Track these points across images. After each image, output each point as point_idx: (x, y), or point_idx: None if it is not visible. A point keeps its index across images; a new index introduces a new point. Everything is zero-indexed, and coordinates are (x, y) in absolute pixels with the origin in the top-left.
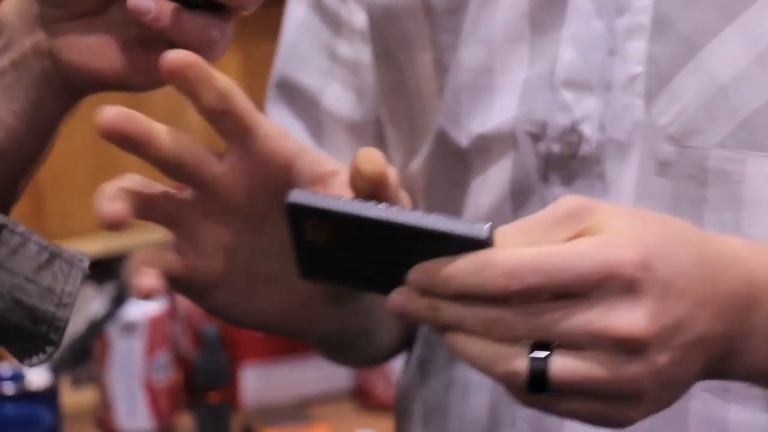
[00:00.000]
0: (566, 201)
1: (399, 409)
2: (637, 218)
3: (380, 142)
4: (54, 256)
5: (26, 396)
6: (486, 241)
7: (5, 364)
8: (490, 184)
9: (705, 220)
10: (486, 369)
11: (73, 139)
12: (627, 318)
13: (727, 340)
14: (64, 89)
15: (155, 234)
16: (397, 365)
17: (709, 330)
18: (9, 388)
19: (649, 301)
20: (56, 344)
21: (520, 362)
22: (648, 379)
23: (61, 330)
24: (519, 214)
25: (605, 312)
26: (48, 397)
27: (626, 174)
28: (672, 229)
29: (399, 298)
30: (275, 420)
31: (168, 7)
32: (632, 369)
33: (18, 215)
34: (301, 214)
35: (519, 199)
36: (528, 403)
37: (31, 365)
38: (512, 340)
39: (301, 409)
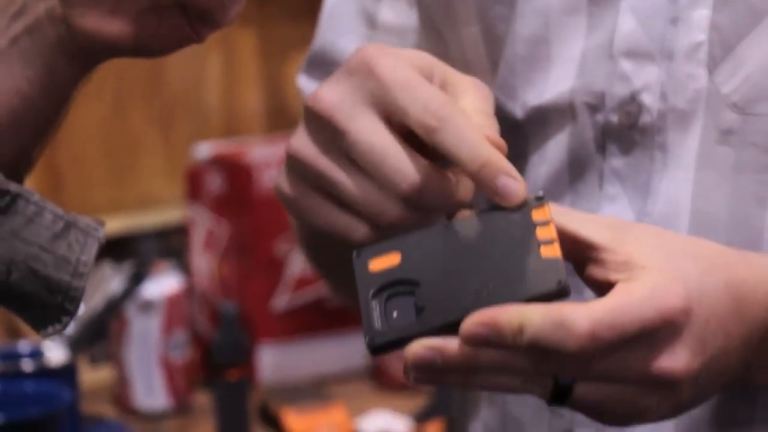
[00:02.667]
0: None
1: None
2: (670, 251)
3: None
4: (69, 225)
5: (45, 373)
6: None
7: (24, 342)
8: (547, 156)
9: None
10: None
11: (90, 116)
12: (667, 360)
13: (745, 369)
14: (78, 55)
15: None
16: None
17: (734, 363)
18: (28, 365)
19: (687, 344)
20: (72, 314)
21: (544, 387)
22: (666, 409)
23: (76, 300)
24: (575, 186)
25: (647, 354)
26: (66, 374)
27: (688, 143)
28: (703, 261)
29: (432, 346)
30: (292, 398)
31: None
32: (654, 402)
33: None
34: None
35: (576, 171)
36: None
37: (47, 335)
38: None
39: (318, 387)
